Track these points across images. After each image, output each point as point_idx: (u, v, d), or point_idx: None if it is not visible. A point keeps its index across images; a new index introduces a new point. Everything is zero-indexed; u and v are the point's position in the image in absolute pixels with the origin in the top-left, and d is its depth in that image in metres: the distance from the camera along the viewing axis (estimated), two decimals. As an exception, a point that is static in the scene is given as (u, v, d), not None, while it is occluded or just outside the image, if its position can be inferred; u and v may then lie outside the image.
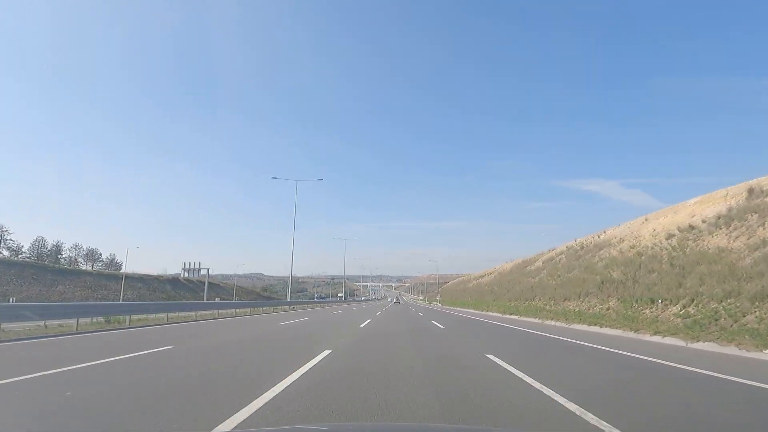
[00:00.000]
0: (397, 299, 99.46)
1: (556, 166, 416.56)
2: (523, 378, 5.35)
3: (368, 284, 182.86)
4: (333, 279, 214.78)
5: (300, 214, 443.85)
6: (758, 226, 14.04)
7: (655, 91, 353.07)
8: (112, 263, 79.94)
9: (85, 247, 77.14)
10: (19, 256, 62.37)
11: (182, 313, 19.94)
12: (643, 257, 19.34)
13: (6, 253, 61.56)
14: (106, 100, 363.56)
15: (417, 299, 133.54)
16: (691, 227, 18.37)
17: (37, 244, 67.35)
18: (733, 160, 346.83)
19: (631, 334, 12.10)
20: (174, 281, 77.53)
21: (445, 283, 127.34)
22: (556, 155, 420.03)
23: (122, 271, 66.06)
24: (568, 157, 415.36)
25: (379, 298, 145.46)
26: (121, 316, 15.60)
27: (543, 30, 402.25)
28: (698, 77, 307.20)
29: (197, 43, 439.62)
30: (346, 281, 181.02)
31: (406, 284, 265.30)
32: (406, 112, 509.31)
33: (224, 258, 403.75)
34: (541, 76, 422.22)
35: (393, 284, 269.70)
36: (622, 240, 25.69)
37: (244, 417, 3.44)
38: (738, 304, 10.41)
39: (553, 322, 18.65)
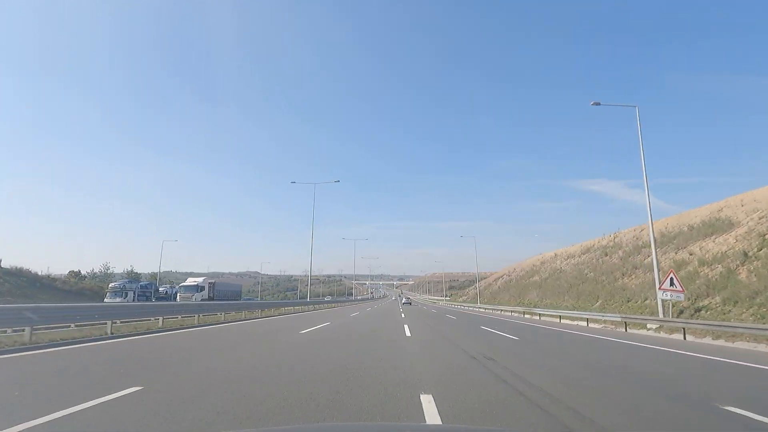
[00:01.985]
0: (406, 299, 79.31)
1: (560, 167, 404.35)
2: None
3: (366, 282, 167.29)
4: (329, 278, 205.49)
5: (294, 215, 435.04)
6: None
7: (659, 92, 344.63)
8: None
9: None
10: None
11: None
12: None
13: None
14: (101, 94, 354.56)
15: (434, 299, 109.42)
16: None
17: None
18: (735, 160, 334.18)
19: None
20: None
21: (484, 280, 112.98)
22: (559, 155, 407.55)
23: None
24: (572, 157, 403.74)
25: (377, 297, 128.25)
26: None
27: (543, 34, 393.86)
28: (702, 77, 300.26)
29: (203, 47, 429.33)
30: (344, 279, 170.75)
31: (410, 282, 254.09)
32: (403, 113, 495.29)
33: (218, 256, 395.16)
34: (544, 78, 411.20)
35: (394, 282, 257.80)
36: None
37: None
38: None
39: None
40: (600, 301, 26.69)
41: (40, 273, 47.25)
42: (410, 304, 65.18)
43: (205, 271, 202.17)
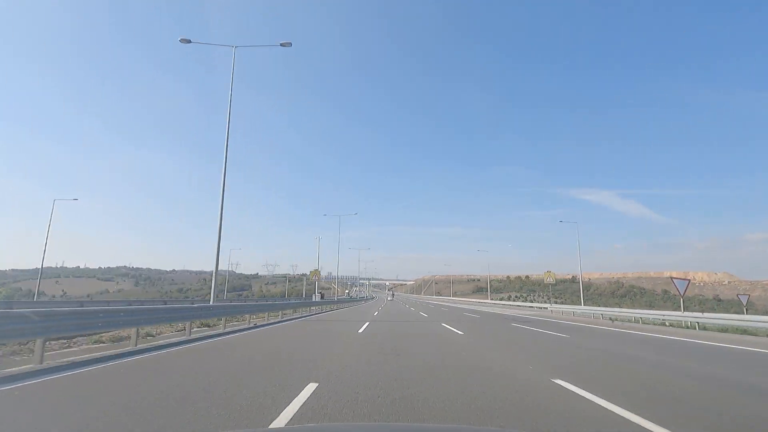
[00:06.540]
0: None
1: (552, 175, 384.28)
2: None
3: (338, 279, 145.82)
4: (304, 276, 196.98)
5: (279, 215, 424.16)
6: None
7: (652, 101, 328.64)
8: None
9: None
10: None
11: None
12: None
13: None
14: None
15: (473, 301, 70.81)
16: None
17: None
18: (729, 169, 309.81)
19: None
20: None
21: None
22: (552, 164, 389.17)
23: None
24: (564, 165, 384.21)
25: (358, 298, 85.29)
26: None
27: (535, 49, 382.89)
28: (697, 88, 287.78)
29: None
30: (326, 281, 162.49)
31: (409, 283, 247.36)
32: (389, 119, 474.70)
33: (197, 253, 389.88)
34: (539, 88, 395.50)
35: (386, 283, 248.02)
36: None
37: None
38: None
39: None
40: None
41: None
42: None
43: (180, 268, 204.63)
